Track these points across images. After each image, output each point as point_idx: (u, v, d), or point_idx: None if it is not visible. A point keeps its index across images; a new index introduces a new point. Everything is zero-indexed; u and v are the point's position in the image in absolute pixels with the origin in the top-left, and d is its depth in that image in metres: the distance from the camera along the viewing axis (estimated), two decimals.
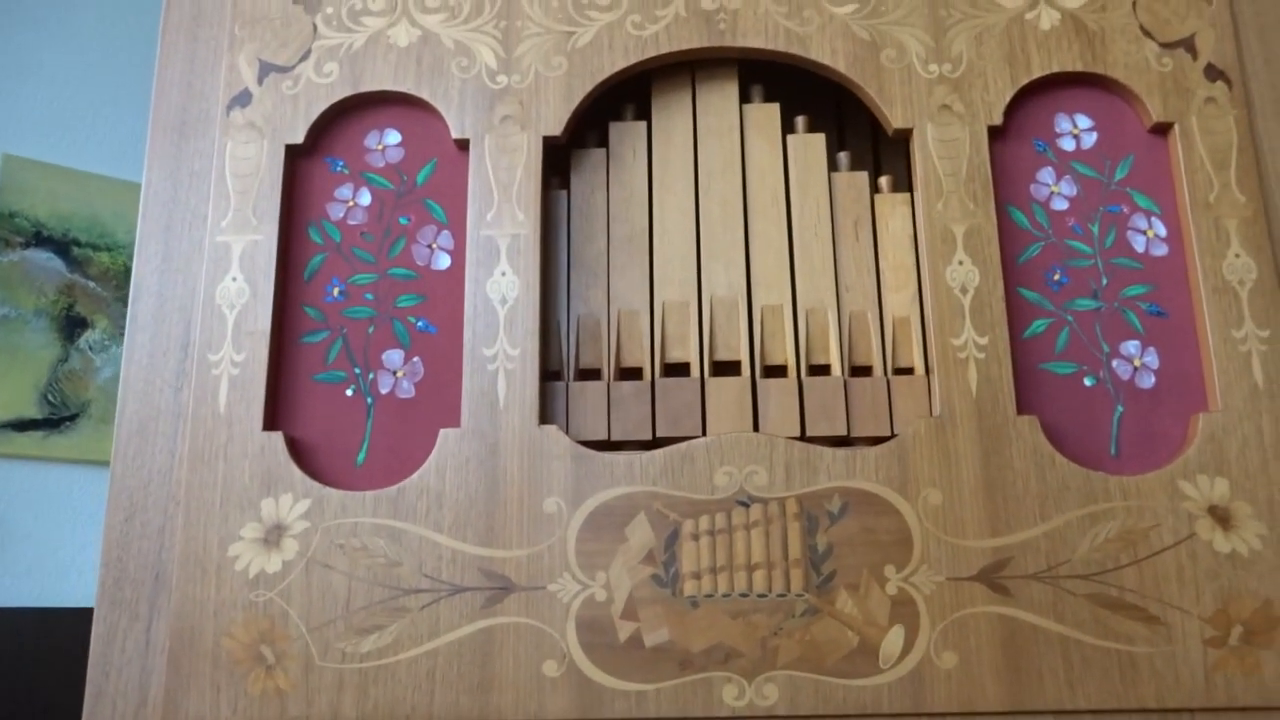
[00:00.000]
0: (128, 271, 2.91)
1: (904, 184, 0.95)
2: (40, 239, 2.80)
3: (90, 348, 2.76)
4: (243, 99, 0.93)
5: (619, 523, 0.83)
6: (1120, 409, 0.87)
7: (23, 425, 2.67)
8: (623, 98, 0.98)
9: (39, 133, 2.87)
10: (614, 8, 0.94)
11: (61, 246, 2.87)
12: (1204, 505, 0.82)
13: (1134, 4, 0.94)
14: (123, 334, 2.80)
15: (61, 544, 2.68)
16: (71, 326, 2.77)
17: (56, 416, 2.71)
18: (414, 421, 0.88)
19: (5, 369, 2.63)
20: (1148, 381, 0.87)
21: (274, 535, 0.84)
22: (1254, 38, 0.93)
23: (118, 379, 2.61)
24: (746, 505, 0.83)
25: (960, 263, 0.88)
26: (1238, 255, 0.88)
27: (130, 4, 2.86)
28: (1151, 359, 0.88)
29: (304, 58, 0.94)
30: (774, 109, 0.96)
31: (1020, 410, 0.85)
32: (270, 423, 0.87)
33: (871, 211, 0.94)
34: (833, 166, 0.96)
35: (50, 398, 2.73)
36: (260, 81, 0.94)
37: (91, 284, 2.89)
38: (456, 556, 0.82)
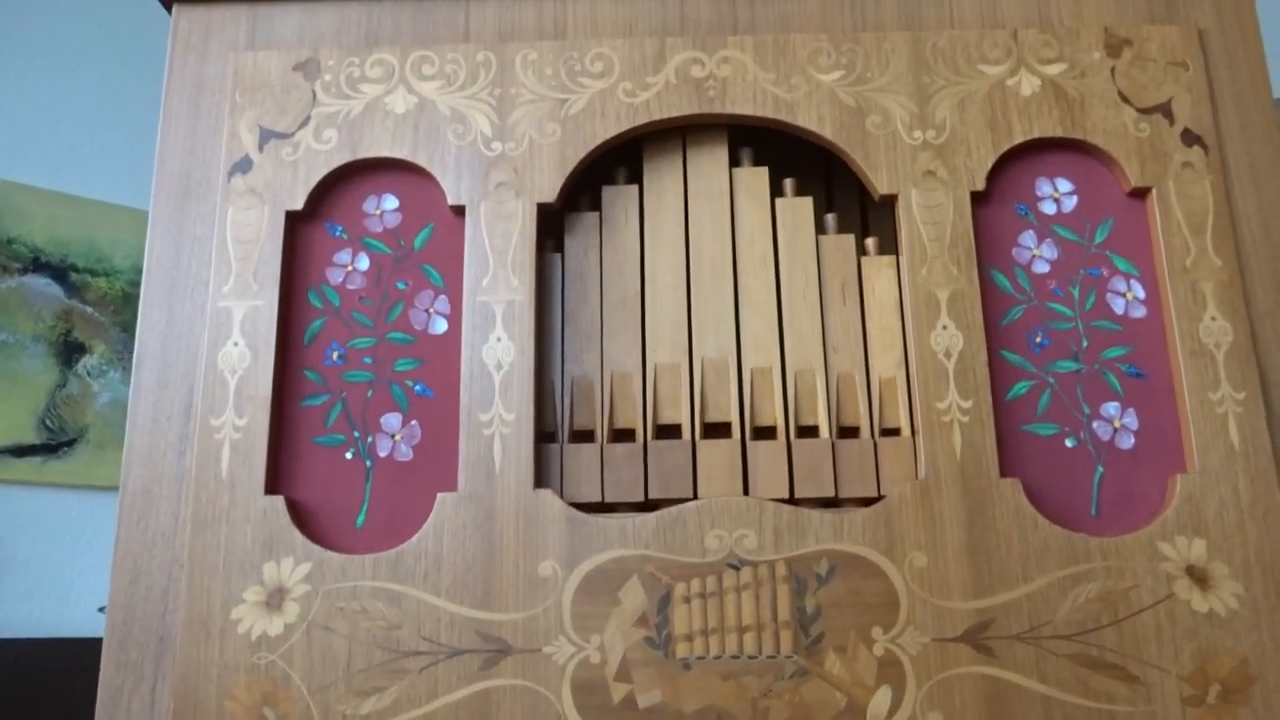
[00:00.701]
0: (125, 296, 2.93)
1: (891, 244, 0.98)
2: (38, 264, 2.82)
3: (88, 373, 2.78)
4: (243, 165, 0.95)
5: (613, 586, 0.85)
6: (1100, 469, 0.89)
7: (21, 451, 2.69)
8: (615, 160, 1.00)
9: (37, 158, 2.88)
10: (606, 75, 0.97)
11: (59, 272, 2.89)
12: (1182, 565, 0.85)
13: (1112, 70, 0.96)
14: (120, 359, 2.82)
15: (61, 568, 2.69)
16: (69, 352, 2.78)
17: (55, 442, 2.72)
18: (412, 484, 0.90)
19: (4, 395, 2.65)
20: (1127, 442, 0.90)
21: (276, 598, 0.86)
22: (1230, 104, 0.95)
23: (115, 404, 2.62)
24: (737, 568, 0.85)
25: (944, 327, 0.90)
26: (1214, 318, 0.90)
27: (131, 31, 2.88)
28: (1131, 420, 0.90)
29: (303, 124, 0.96)
30: (762, 173, 0.98)
31: (1003, 472, 0.88)
32: (271, 486, 0.89)
33: (858, 274, 0.96)
34: (820, 229, 0.98)
35: (48, 423, 2.74)
36: (261, 148, 0.96)
37: (89, 309, 2.90)
38: (454, 619, 0.84)
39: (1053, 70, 0.96)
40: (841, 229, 1.00)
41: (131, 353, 2.75)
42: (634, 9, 1.00)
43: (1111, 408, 0.90)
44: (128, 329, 2.83)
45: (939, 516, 0.86)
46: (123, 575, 0.88)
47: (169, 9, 1.00)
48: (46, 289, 2.82)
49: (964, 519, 0.86)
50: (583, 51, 0.97)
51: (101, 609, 2.31)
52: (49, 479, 2.69)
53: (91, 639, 2.17)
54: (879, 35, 0.97)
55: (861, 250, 0.98)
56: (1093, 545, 0.85)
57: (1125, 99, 0.95)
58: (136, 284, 2.85)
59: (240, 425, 0.89)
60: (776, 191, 0.99)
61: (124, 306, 2.88)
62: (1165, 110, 0.95)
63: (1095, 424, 0.90)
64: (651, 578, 0.85)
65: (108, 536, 2.80)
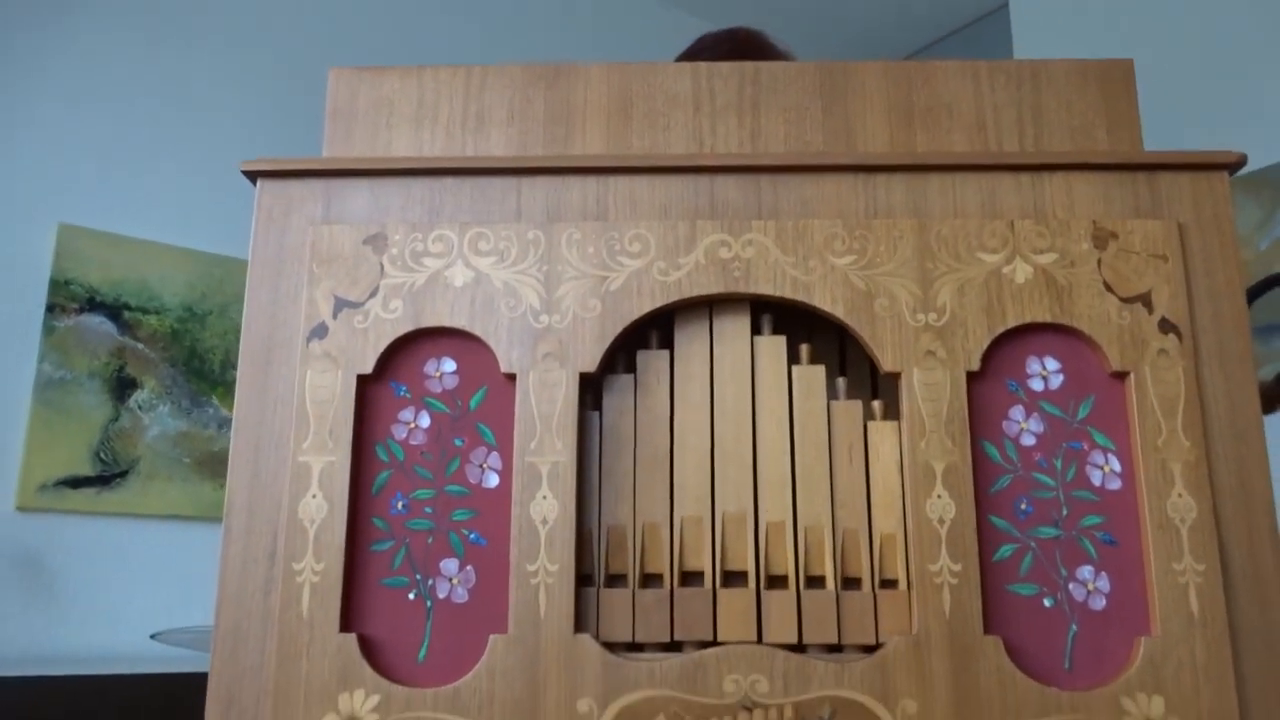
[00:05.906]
0: (174, 333, 3.08)
1: (895, 408, 1.09)
2: (93, 304, 2.96)
3: (139, 407, 2.92)
4: (320, 331, 1.08)
5: None
6: (1074, 628, 1.00)
7: (77, 482, 2.85)
8: (649, 325, 1.12)
9: (91, 201, 3.02)
10: (642, 255, 1.08)
11: (113, 311, 3.04)
12: None
13: (1099, 261, 1.07)
14: (168, 393, 2.97)
15: (112, 594, 2.85)
16: (122, 387, 2.93)
17: (108, 473, 2.87)
18: (466, 624, 1.03)
19: (62, 429, 2.79)
20: (1099, 604, 1.01)
21: None
22: (1204, 295, 1.06)
23: (164, 437, 2.78)
24: (750, 710, 0.98)
25: (939, 496, 1.02)
26: (1180, 495, 1.01)
27: (180, 75, 2.99)
28: (1103, 583, 1.01)
29: (373, 294, 1.09)
30: (781, 342, 1.10)
31: (987, 629, 0.99)
32: (345, 624, 1.02)
33: (864, 437, 1.07)
34: (832, 394, 1.10)
35: (103, 455, 2.90)
36: (335, 315, 1.08)
37: (140, 346, 3.05)
38: None
39: (1045, 259, 1.07)
40: (851, 391, 1.11)
41: (179, 388, 2.88)
42: (668, 192, 1.11)
43: (1086, 571, 1.02)
44: (176, 364, 2.98)
45: (928, 670, 0.98)
46: (217, 705, 1.01)
47: (254, 182, 1.12)
48: (101, 327, 2.96)
49: (950, 673, 0.98)
50: (622, 232, 1.09)
51: (153, 636, 2.47)
52: (102, 509, 2.84)
53: (142, 675, 2.33)
54: (889, 222, 1.08)
55: (869, 414, 1.09)
56: (1064, 698, 0.97)
57: (1109, 288, 1.06)
58: (184, 320, 3.00)
59: (318, 570, 1.02)
60: (794, 358, 1.10)
61: (172, 343, 3.02)
62: (1145, 300, 1.06)
63: (1071, 586, 1.01)
64: (676, 716, 0.98)
65: (156, 563, 2.96)
